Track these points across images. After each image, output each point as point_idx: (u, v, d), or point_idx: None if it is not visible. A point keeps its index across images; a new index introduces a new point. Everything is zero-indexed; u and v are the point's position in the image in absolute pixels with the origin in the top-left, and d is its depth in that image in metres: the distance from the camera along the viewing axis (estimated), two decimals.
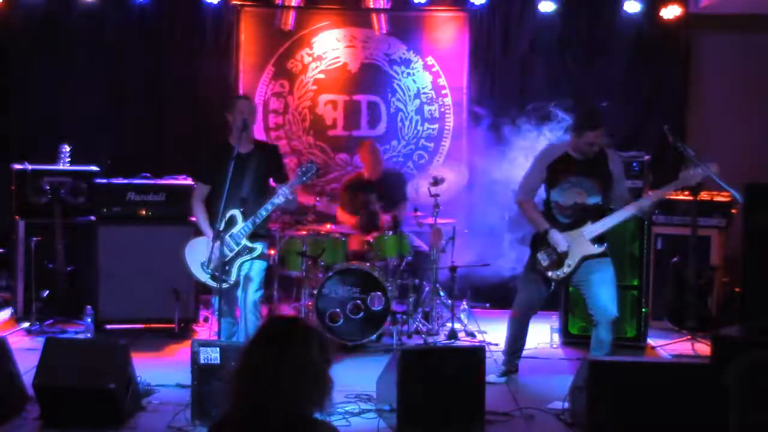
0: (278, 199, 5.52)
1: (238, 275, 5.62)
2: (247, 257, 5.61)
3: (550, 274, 5.58)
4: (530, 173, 5.73)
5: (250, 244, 5.60)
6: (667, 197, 6.01)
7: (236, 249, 5.57)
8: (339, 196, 7.82)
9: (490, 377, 5.53)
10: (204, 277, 5.65)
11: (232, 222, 5.57)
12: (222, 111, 5.81)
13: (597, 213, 5.54)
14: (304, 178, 5.60)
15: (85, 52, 8.28)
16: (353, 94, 8.50)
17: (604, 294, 5.50)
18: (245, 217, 5.56)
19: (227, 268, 5.55)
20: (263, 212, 5.55)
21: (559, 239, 5.50)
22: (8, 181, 7.26)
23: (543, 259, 5.59)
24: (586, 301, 5.65)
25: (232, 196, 5.48)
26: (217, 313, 5.56)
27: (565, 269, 5.53)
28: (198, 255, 5.65)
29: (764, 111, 8.13)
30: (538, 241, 5.64)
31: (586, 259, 5.51)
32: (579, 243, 5.51)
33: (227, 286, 5.56)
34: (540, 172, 5.66)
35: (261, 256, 5.67)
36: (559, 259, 5.53)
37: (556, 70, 8.26)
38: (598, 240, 5.53)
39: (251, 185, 5.65)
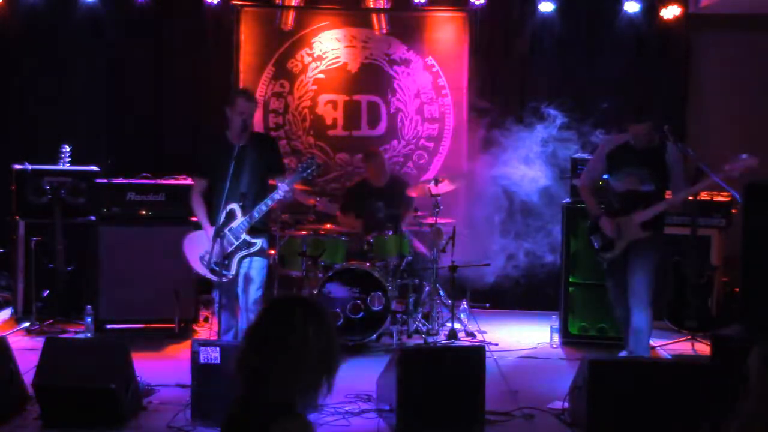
0: (278, 195, 5.54)
1: (238, 271, 5.63)
2: (246, 252, 5.61)
3: (602, 255, 5.97)
4: (593, 161, 6.13)
5: (250, 239, 5.60)
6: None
7: (236, 243, 5.58)
8: (342, 200, 7.79)
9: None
10: (203, 271, 5.66)
11: (231, 216, 5.57)
12: (222, 111, 5.79)
13: (649, 200, 5.79)
14: (304, 174, 5.60)
15: (86, 52, 8.28)
16: (353, 94, 8.49)
17: (632, 280, 5.79)
18: (245, 212, 5.56)
19: (227, 262, 5.56)
20: (263, 207, 5.55)
21: (606, 225, 5.87)
22: (8, 181, 7.27)
23: (596, 241, 5.99)
24: None
25: (231, 191, 5.49)
26: (217, 306, 5.57)
27: (616, 251, 5.86)
28: (197, 248, 5.66)
29: (764, 111, 8.12)
30: (593, 226, 6.02)
31: (633, 243, 5.79)
32: (628, 228, 5.79)
33: (226, 279, 5.57)
34: (600, 160, 5.99)
35: (261, 253, 5.68)
36: (610, 242, 5.88)
37: (556, 70, 8.25)
38: (647, 225, 5.75)
39: (250, 179, 5.64)
